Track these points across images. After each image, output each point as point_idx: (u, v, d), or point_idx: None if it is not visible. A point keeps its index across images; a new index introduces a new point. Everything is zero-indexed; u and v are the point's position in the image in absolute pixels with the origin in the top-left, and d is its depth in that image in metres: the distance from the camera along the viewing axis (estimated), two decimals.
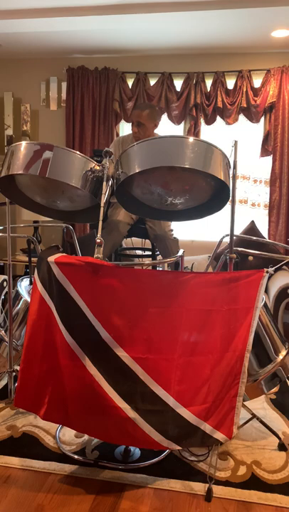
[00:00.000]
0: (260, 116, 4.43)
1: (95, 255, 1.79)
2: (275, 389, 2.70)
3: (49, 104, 4.91)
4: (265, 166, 4.56)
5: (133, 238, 3.68)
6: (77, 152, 1.99)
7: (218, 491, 1.86)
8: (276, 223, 4.52)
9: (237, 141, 2.03)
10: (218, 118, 4.52)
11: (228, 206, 2.08)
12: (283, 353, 2.17)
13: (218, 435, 1.84)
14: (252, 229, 4.19)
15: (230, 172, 1.99)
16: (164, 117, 4.57)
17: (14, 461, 2.02)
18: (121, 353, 1.76)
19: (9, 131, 5.00)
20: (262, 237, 4.18)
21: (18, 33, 4.13)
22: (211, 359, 1.83)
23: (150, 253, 3.57)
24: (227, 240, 2.20)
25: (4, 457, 2.05)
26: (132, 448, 2.10)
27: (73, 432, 2.23)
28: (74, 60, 4.74)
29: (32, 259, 2.81)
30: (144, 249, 3.73)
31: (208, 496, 1.82)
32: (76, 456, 2.05)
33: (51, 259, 1.79)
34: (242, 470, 1.99)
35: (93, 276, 1.74)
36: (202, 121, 4.54)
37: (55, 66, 4.80)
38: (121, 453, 2.08)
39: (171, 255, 3.16)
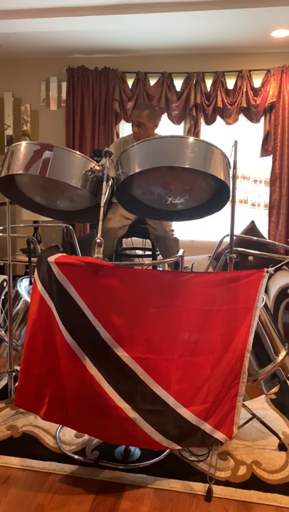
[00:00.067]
0: (260, 116, 4.43)
1: (95, 255, 1.79)
2: (275, 389, 2.70)
3: (49, 104, 4.91)
4: (265, 166, 4.56)
5: (133, 238, 3.68)
6: (77, 152, 1.99)
7: (218, 491, 1.86)
8: (276, 223, 4.52)
9: (237, 141, 2.03)
10: (218, 118, 4.52)
11: (228, 206, 2.08)
12: (283, 353, 2.17)
13: (219, 435, 1.84)
14: (252, 229, 4.19)
15: (230, 172, 1.99)
16: (164, 117, 4.57)
17: (14, 461, 2.02)
18: (121, 353, 1.76)
19: (9, 131, 5.00)
20: (262, 237, 4.18)
21: (18, 33, 4.13)
22: (211, 359, 1.83)
23: (150, 253, 3.58)
24: (227, 240, 2.20)
25: (4, 457, 2.05)
26: (132, 448, 2.10)
27: (73, 431, 2.23)
28: (74, 60, 4.74)
29: (32, 259, 2.81)
30: (144, 249, 3.73)
31: (208, 496, 1.82)
32: (76, 456, 2.05)
33: (51, 259, 1.79)
34: (242, 470, 1.99)
35: (93, 276, 1.74)
36: (202, 121, 4.55)
37: (55, 66, 4.80)
38: (121, 453, 2.08)
39: (171, 255, 3.17)
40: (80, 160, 1.97)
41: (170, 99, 4.54)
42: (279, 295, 3.43)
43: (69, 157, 1.96)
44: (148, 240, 3.48)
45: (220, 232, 2.44)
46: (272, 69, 4.33)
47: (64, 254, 1.84)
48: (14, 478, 1.93)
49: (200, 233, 4.59)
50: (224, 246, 2.69)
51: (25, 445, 2.14)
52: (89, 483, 1.90)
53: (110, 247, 3.33)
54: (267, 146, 4.47)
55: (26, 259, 4.47)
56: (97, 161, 2.03)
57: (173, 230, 3.31)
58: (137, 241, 3.82)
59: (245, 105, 4.40)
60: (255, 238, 2.95)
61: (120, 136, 4.68)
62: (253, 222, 4.24)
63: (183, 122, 4.61)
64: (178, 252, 2.43)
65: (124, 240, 3.75)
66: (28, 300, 2.46)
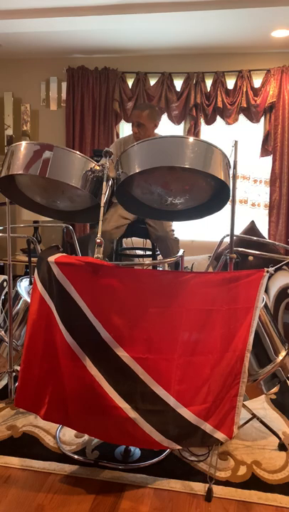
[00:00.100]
0: (260, 116, 4.43)
1: (95, 255, 1.79)
2: (275, 389, 2.70)
3: (49, 104, 4.91)
4: (265, 166, 4.56)
5: (133, 238, 3.68)
6: (77, 152, 1.99)
7: (218, 491, 1.86)
8: (276, 223, 4.52)
9: (237, 141, 2.03)
10: (218, 118, 4.52)
11: (228, 206, 2.08)
12: (283, 353, 2.17)
13: (219, 435, 1.84)
14: (252, 229, 4.19)
15: (230, 172, 1.99)
16: (164, 117, 4.57)
17: (14, 461, 2.02)
18: (121, 352, 1.76)
19: (9, 131, 5.00)
20: (262, 237, 4.18)
21: (18, 33, 4.13)
22: (211, 359, 1.83)
23: (150, 253, 3.58)
24: (227, 240, 2.20)
25: (4, 457, 2.05)
26: (132, 448, 2.10)
27: (73, 431, 2.23)
28: (74, 60, 4.74)
29: (32, 259, 2.81)
30: (144, 250, 3.73)
31: (209, 496, 1.82)
32: (76, 456, 2.05)
33: (51, 259, 1.79)
34: (242, 470, 1.99)
35: (93, 276, 1.74)
36: (202, 121, 4.54)
37: (55, 66, 4.80)
38: (121, 453, 2.08)
39: (172, 255, 3.17)
40: (80, 160, 1.97)
41: (170, 99, 4.54)
42: (279, 295, 3.43)
43: (69, 157, 1.96)
44: (148, 240, 3.48)
45: (220, 232, 2.44)
46: (272, 69, 4.34)
47: (64, 254, 1.84)
48: (14, 478, 1.93)
49: (200, 233, 4.59)
50: (224, 246, 2.70)
51: (26, 445, 2.14)
52: (89, 483, 1.90)
53: (108, 247, 3.33)
54: (267, 146, 4.47)
55: (26, 259, 4.47)
56: (97, 161, 2.03)
57: (173, 230, 3.31)
58: (137, 241, 3.82)
59: (245, 105, 4.40)
60: (255, 238, 2.95)
61: (120, 136, 4.68)
62: (253, 222, 4.24)
63: (183, 122, 4.61)
64: (178, 252, 2.43)
65: (124, 239, 3.76)
66: (28, 300, 2.46)
